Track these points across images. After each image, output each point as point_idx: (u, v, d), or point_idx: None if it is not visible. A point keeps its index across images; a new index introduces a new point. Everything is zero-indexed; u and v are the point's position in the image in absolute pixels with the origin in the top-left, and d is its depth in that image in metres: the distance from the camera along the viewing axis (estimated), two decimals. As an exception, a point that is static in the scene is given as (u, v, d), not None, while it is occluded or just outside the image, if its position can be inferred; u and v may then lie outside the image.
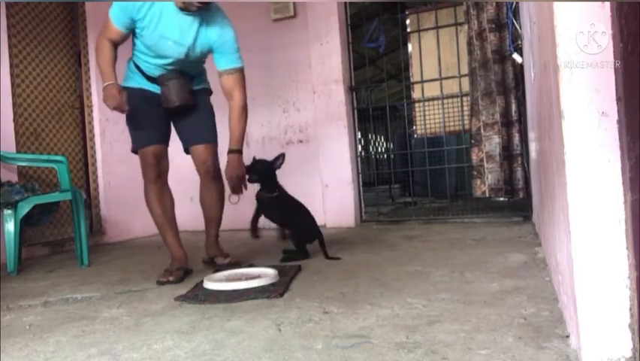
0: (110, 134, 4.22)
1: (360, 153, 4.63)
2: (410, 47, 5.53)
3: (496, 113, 3.73)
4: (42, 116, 3.82)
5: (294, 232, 2.78)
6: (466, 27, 3.92)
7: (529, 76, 2.58)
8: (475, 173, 3.86)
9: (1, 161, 3.26)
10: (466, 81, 4.01)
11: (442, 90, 4.25)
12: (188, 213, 3.52)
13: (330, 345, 1.34)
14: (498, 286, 1.83)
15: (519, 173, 3.73)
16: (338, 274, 2.24)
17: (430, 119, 5.35)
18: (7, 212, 2.92)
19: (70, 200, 3.08)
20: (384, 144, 9.15)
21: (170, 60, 2.42)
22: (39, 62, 3.83)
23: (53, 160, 3.27)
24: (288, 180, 4.48)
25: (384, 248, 2.91)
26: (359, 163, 4.35)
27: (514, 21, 3.54)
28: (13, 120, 3.54)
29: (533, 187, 3.29)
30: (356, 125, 4.36)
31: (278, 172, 2.84)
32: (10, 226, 2.90)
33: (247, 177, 2.57)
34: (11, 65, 3.56)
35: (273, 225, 2.91)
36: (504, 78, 3.73)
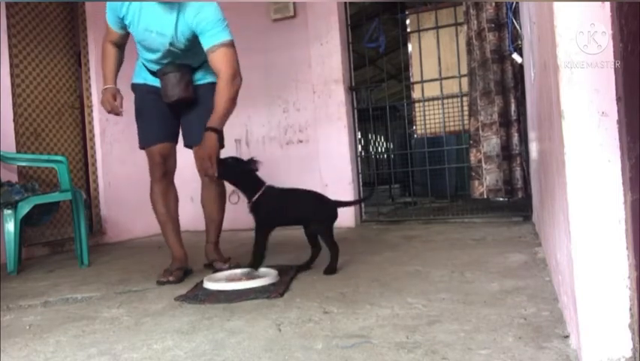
0: (110, 134, 4.22)
1: (360, 153, 4.63)
2: (410, 47, 5.53)
3: (494, 113, 3.73)
4: (42, 116, 3.82)
5: (316, 226, 2.40)
6: (465, 27, 3.92)
7: (529, 76, 2.58)
8: (473, 174, 3.85)
9: (1, 161, 3.26)
10: (466, 81, 4.01)
11: (442, 90, 4.25)
12: (189, 213, 3.51)
13: (330, 345, 1.34)
14: (498, 286, 1.83)
15: (518, 173, 3.72)
16: (338, 274, 2.24)
17: (430, 119, 5.35)
18: (7, 212, 2.92)
19: (70, 200, 3.08)
20: (384, 144, 9.14)
21: (159, 53, 2.35)
22: (39, 62, 3.83)
23: (53, 160, 3.27)
24: (289, 180, 4.49)
25: (384, 248, 2.91)
26: (359, 163, 4.35)
27: (514, 21, 3.54)
28: (13, 120, 3.54)
29: (533, 187, 3.29)
30: (356, 125, 4.36)
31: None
32: (10, 226, 2.90)
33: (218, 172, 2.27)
34: (11, 65, 3.56)
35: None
36: (503, 78, 3.74)
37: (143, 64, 2.48)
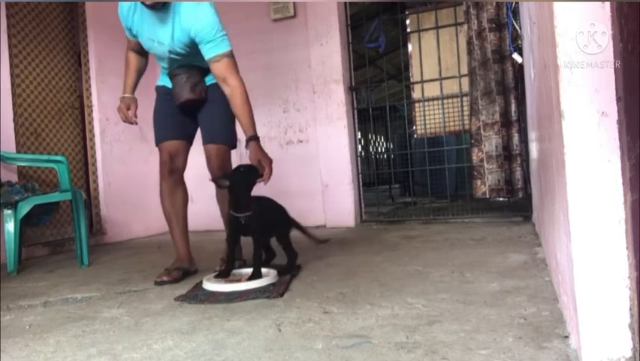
0: (110, 134, 4.22)
1: (360, 153, 4.63)
2: (410, 47, 5.53)
3: (495, 113, 3.73)
4: (42, 116, 3.82)
5: (285, 233, 2.49)
6: (465, 27, 3.92)
7: (529, 76, 2.58)
8: (476, 173, 3.86)
9: (1, 161, 3.26)
10: (466, 81, 4.01)
11: (442, 90, 4.25)
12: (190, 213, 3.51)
13: (330, 345, 1.34)
14: (498, 286, 1.83)
15: (518, 173, 3.73)
16: (338, 274, 2.24)
17: (430, 119, 5.35)
18: (7, 212, 2.92)
19: (70, 200, 3.08)
20: (384, 144, 9.15)
21: (164, 61, 2.42)
22: (39, 62, 3.83)
23: (53, 160, 3.27)
24: (289, 180, 4.51)
25: (384, 248, 2.91)
26: (359, 163, 4.35)
27: (514, 21, 3.54)
28: (13, 120, 3.54)
29: (533, 187, 3.29)
30: (356, 125, 4.36)
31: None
32: (10, 226, 2.90)
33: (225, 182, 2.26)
34: (11, 65, 3.56)
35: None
36: (503, 78, 3.74)
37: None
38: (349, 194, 4.14)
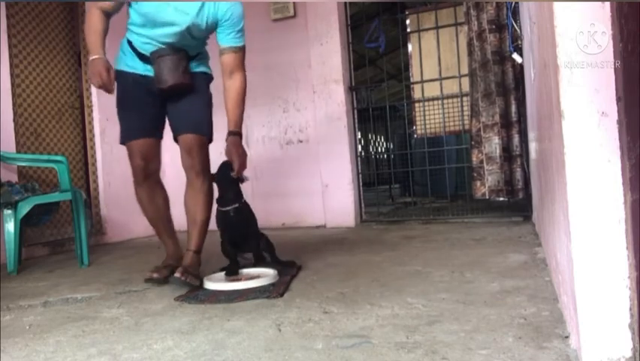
0: (110, 135, 4.22)
1: (360, 153, 4.63)
2: (410, 47, 5.53)
3: (495, 114, 3.73)
4: (42, 116, 3.82)
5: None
6: (466, 28, 3.92)
7: (529, 76, 2.58)
8: (475, 175, 3.86)
9: (1, 161, 3.26)
10: (466, 81, 4.01)
11: (442, 90, 4.25)
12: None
13: (330, 345, 1.34)
14: (498, 286, 1.83)
15: (519, 173, 3.73)
16: (338, 274, 2.24)
17: (430, 119, 5.35)
18: (7, 212, 2.92)
19: (70, 200, 3.08)
20: (384, 144, 9.15)
21: (172, 30, 2.14)
22: (39, 62, 3.83)
23: (53, 160, 3.27)
24: (289, 180, 4.51)
25: (384, 248, 2.91)
26: (359, 163, 4.35)
27: (514, 22, 3.54)
28: (13, 120, 3.54)
29: (533, 187, 3.29)
30: (356, 125, 4.36)
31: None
32: (10, 226, 2.90)
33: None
34: (11, 65, 3.56)
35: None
36: (504, 79, 3.74)
37: (131, 46, 2.24)
38: (349, 194, 4.14)
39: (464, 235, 3.20)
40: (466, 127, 4.15)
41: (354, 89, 4.32)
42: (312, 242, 3.38)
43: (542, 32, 1.51)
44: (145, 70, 2.25)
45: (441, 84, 4.22)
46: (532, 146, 2.90)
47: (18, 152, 3.52)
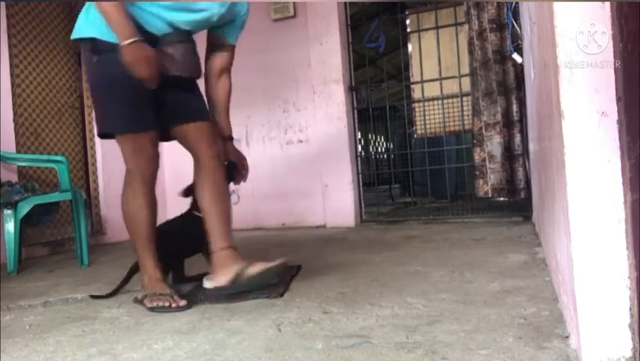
0: (110, 134, 4.22)
1: (360, 153, 4.63)
2: (410, 47, 5.53)
3: (497, 113, 3.73)
4: (42, 116, 3.82)
5: None
6: (466, 27, 3.92)
7: (529, 76, 2.58)
8: (478, 173, 3.86)
9: (1, 161, 3.26)
10: (465, 81, 4.01)
11: (442, 90, 4.25)
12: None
13: (330, 345, 1.34)
14: (498, 286, 1.83)
15: (520, 173, 3.73)
16: (338, 274, 2.24)
17: (430, 119, 5.35)
18: (7, 212, 2.92)
19: (70, 200, 3.08)
20: (384, 144, 9.15)
21: (201, 16, 1.94)
22: (39, 62, 3.83)
23: (53, 160, 3.27)
24: (289, 180, 4.51)
25: (384, 248, 2.91)
26: (359, 163, 4.35)
27: (514, 21, 3.54)
28: (13, 120, 3.54)
29: (533, 187, 3.29)
30: (356, 125, 4.36)
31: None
32: (10, 226, 2.90)
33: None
34: (11, 65, 3.56)
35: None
36: (505, 78, 3.74)
37: (135, 20, 1.87)
38: (349, 194, 4.14)
39: (464, 235, 3.20)
40: (467, 127, 4.14)
41: (354, 89, 4.31)
42: (312, 242, 3.38)
43: (542, 32, 1.51)
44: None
45: (441, 84, 4.22)
46: (532, 146, 2.90)
47: (18, 152, 3.52)
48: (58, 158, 3.22)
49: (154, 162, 1.98)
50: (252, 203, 4.31)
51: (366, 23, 4.50)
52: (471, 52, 3.86)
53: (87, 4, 2.00)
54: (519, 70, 3.64)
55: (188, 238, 2.18)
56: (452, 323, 1.45)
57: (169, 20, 1.91)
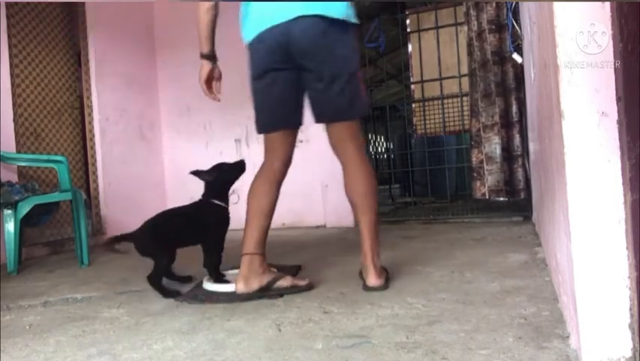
0: (110, 135, 4.22)
1: (360, 153, 4.61)
2: (410, 47, 5.54)
3: (495, 114, 3.73)
4: (42, 116, 3.82)
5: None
6: (465, 28, 3.92)
7: (529, 76, 2.58)
8: (475, 175, 3.86)
9: (1, 161, 3.26)
10: (465, 81, 4.01)
11: (442, 90, 4.25)
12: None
13: (330, 345, 1.34)
14: (498, 286, 1.83)
15: (520, 173, 3.73)
16: (338, 274, 2.24)
17: (430, 119, 5.35)
18: (7, 212, 2.92)
19: (70, 200, 3.08)
20: (384, 144, 9.15)
21: None
22: (39, 62, 3.83)
23: (53, 160, 3.27)
24: (289, 180, 4.49)
25: (384, 248, 2.90)
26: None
27: (514, 22, 3.54)
28: (13, 120, 3.54)
29: (533, 187, 3.29)
30: (356, 125, 4.35)
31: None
32: (10, 226, 2.90)
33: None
34: (11, 65, 3.56)
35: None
36: (504, 79, 3.74)
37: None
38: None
39: (464, 235, 3.20)
40: (466, 127, 4.15)
41: (354, 89, 4.31)
42: (312, 242, 3.38)
43: (542, 32, 1.51)
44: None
45: (441, 84, 4.22)
46: (532, 146, 2.90)
47: (18, 152, 3.52)
48: (58, 158, 3.22)
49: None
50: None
51: (366, 23, 4.50)
52: (470, 53, 3.87)
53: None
54: (518, 70, 3.64)
55: (193, 227, 2.23)
56: (452, 323, 1.45)
57: None
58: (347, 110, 2.00)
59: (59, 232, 3.82)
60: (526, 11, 2.51)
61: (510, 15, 3.58)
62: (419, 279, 2.04)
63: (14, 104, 3.56)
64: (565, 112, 1.05)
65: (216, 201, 2.27)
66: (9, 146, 3.43)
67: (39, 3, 3.85)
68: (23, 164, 3.47)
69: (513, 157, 3.76)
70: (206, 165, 2.47)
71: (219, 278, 2.15)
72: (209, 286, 2.10)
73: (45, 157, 3.51)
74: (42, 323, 1.77)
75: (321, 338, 1.40)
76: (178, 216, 2.28)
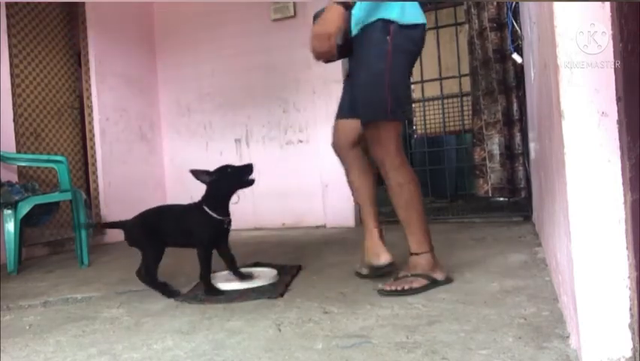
0: (110, 134, 4.22)
1: (360, 153, 4.61)
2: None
3: (497, 112, 3.73)
4: (42, 116, 3.82)
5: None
6: (466, 26, 3.92)
7: (530, 76, 2.58)
8: (478, 172, 3.86)
9: (1, 161, 3.26)
10: (465, 81, 4.01)
11: (441, 90, 4.25)
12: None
13: (330, 345, 1.34)
14: (498, 286, 1.83)
15: (521, 172, 3.73)
16: (338, 274, 2.24)
17: (430, 119, 5.36)
18: (7, 212, 2.92)
19: (70, 200, 3.08)
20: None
21: None
22: (39, 62, 3.83)
23: (53, 160, 3.27)
24: (289, 180, 4.51)
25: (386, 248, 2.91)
26: (359, 162, 4.34)
27: (514, 21, 3.54)
28: (13, 120, 3.54)
29: (533, 187, 3.29)
30: (356, 125, 4.36)
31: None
32: (10, 226, 2.90)
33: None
34: (11, 65, 3.56)
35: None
36: (505, 77, 3.74)
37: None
38: (349, 194, 4.13)
39: (464, 235, 3.20)
40: (466, 127, 4.15)
41: (354, 89, 4.31)
42: (312, 242, 3.38)
43: (542, 32, 1.51)
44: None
45: (441, 84, 4.22)
46: (533, 146, 2.90)
47: (18, 152, 3.52)
48: (58, 158, 3.22)
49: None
50: (252, 203, 4.31)
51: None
52: (471, 51, 3.86)
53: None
54: (519, 69, 3.64)
55: (181, 229, 2.11)
56: (452, 323, 1.45)
57: None
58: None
59: (59, 232, 3.82)
60: (526, 11, 2.51)
61: (510, 15, 3.58)
62: (419, 279, 2.04)
63: (14, 104, 3.56)
64: (565, 112, 1.05)
65: (207, 210, 2.06)
66: (9, 146, 3.43)
67: (39, 3, 3.85)
68: (23, 164, 3.47)
69: (514, 155, 3.76)
70: (205, 165, 2.47)
71: (209, 289, 2.01)
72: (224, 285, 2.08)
73: (45, 157, 3.51)
74: (42, 323, 1.77)
75: (321, 338, 1.40)
76: (170, 214, 2.20)
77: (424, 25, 1.90)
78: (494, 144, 3.76)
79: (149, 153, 4.64)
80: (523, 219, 3.65)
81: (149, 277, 2.08)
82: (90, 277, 2.63)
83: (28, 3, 3.75)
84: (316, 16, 1.87)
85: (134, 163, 4.44)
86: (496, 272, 2.06)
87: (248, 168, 2.15)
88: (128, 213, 3.10)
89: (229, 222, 2.12)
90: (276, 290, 1.97)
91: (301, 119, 4.35)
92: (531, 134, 2.99)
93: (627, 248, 1.01)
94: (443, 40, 4.31)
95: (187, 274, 2.44)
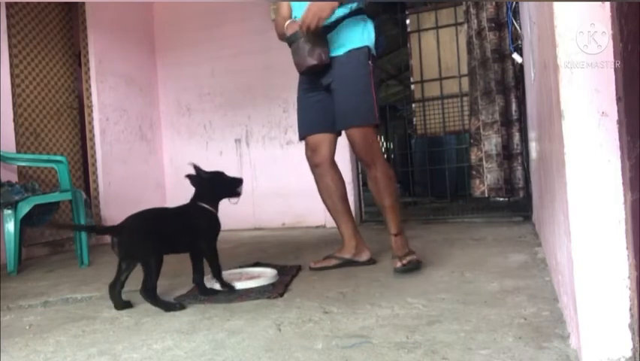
0: (110, 135, 4.22)
1: (360, 153, 4.61)
2: (410, 47, 5.53)
3: (495, 112, 3.73)
4: (42, 116, 3.82)
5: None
6: (465, 26, 3.92)
7: (529, 76, 2.58)
8: (474, 173, 3.86)
9: (1, 161, 3.26)
10: (466, 81, 4.01)
11: (441, 90, 4.25)
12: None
13: (330, 345, 1.34)
14: (498, 286, 1.83)
15: (519, 172, 3.73)
16: (338, 274, 2.24)
17: (430, 119, 5.36)
18: (7, 212, 2.92)
19: (70, 200, 3.08)
20: (385, 144, 9.14)
21: None
22: (39, 62, 3.83)
23: (53, 160, 3.27)
24: (289, 180, 4.51)
25: (384, 248, 2.91)
26: (359, 163, 4.34)
27: (514, 21, 3.54)
28: (13, 120, 3.54)
29: (533, 187, 3.29)
30: (356, 125, 4.35)
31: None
32: (10, 226, 2.90)
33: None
34: (11, 65, 3.56)
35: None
36: (504, 77, 3.74)
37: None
38: (349, 194, 4.13)
39: (464, 235, 3.20)
40: (466, 127, 4.15)
41: (354, 89, 4.31)
42: (312, 242, 3.38)
43: (542, 32, 1.51)
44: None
45: (441, 84, 4.22)
46: (533, 146, 2.90)
47: (18, 152, 3.52)
48: (58, 158, 3.22)
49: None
50: (252, 203, 4.31)
51: (366, 23, 4.50)
52: (470, 51, 3.86)
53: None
54: (518, 68, 3.64)
55: (181, 233, 2.02)
56: (452, 323, 1.45)
57: None
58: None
59: (59, 232, 3.82)
60: (526, 11, 2.51)
61: (510, 14, 3.58)
62: (419, 279, 2.04)
63: (14, 104, 3.56)
64: (565, 112, 1.05)
65: (205, 205, 2.04)
66: (9, 146, 3.43)
67: (39, 3, 3.86)
68: (23, 164, 3.47)
69: (512, 155, 3.75)
70: (205, 165, 2.46)
71: (224, 284, 2.02)
72: (209, 286, 2.09)
73: (45, 157, 3.52)
74: (42, 323, 1.77)
75: (321, 338, 1.40)
76: (169, 215, 2.07)
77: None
78: (491, 144, 3.76)
79: (148, 153, 4.64)
80: (523, 219, 3.65)
81: (153, 290, 1.87)
82: (90, 277, 2.63)
83: (28, 3, 3.75)
84: (291, 40, 2.34)
85: (133, 163, 4.44)
86: (496, 272, 2.06)
87: (238, 181, 2.17)
88: (128, 214, 3.09)
89: None
90: (275, 290, 1.97)
91: (301, 119, 4.35)
92: (531, 134, 2.99)
93: (627, 248, 1.01)
94: (443, 40, 4.32)
95: (187, 274, 2.44)
